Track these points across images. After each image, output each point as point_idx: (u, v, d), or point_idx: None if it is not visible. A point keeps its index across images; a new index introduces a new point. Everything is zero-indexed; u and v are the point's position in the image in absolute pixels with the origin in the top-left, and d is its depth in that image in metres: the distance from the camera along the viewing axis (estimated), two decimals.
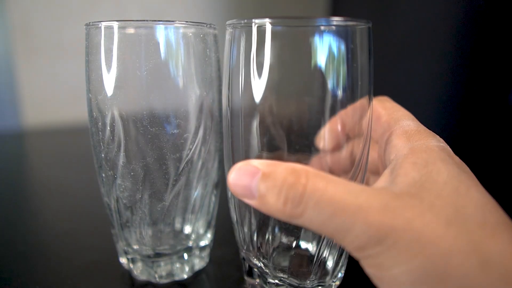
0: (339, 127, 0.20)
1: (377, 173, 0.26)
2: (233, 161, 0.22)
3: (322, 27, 0.19)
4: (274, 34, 0.19)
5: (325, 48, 0.19)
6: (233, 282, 0.27)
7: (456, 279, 0.15)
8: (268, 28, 0.19)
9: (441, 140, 0.20)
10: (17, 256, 0.30)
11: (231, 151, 0.22)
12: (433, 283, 0.15)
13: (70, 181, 0.48)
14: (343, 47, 0.19)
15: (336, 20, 0.19)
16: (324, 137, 0.20)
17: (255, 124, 0.20)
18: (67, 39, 0.73)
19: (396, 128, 0.22)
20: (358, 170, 0.22)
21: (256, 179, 0.18)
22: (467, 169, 0.19)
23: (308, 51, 0.19)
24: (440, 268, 0.15)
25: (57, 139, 0.70)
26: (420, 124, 0.22)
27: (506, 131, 0.39)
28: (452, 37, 0.42)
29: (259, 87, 0.20)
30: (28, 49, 0.72)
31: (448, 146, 0.20)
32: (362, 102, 0.21)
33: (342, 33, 0.19)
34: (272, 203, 0.17)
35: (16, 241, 0.33)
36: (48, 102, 0.75)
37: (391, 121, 0.23)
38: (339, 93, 0.20)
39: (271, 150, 0.20)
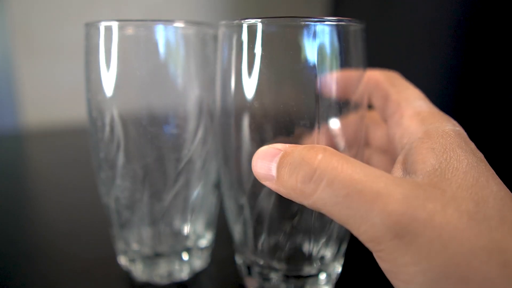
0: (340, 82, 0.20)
1: (384, 152, 0.25)
2: (225, 159, 0.22)
3: (313, 27, 0.19)
4: (265, 34, 0.19)
5: (316, 48, 0.19)
6: (233, 282, 0.27)
7: (477, 280, 0.14)
8: (259, 28, 0.19)
9: (456, 123, 0.19)
10: (16, 257, 0.30)
11: (223, 149, 0.22)
12: (453, 284, 0.14)
13: (69, 181, 0.48)
14: (335, 46, 0.19)
15: (328, 19, 0.19)
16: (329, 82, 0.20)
17: (246, 122, 0.20)
18: (67, 39, 0.73)
19: (408, 109, 0.20)
20: (356, 147, 0.21)
21: (275, 159, 0.17)
22: (483, 157, 0.17)
23: (299, 51, 0.19)
24: (462, 269, 0.14)
25: (56, 139, 0.70)
26: (432, 105, 0.21)
27: (507, 128, 0.39)
28: (453, 36, 0.42)
29: (250, 86, 0.20)
30: (28, 49, 0.72)
31: (464, 130, 0.19)
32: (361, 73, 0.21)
33: (334, 33, 0.19)
34: (286, 180, 0.17)
35: (15, 241, 0.33)
36: (47, 102, 0.75)
37: (402, 101, 0.21)
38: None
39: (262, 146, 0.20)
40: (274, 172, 0.17)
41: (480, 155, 0.17)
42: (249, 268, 0.24)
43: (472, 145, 0.18)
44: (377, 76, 0.23)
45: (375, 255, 0.16)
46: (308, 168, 0.16)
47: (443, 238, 0.14)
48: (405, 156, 0.18)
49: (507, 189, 0.16)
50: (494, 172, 0.17)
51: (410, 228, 0.14)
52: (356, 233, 0.16)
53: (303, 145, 0.17)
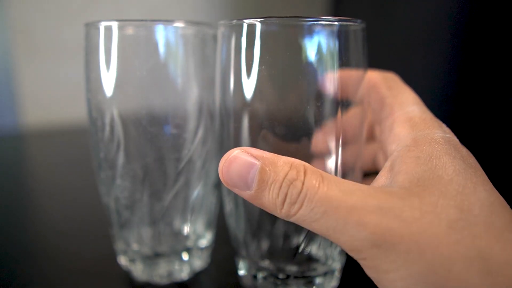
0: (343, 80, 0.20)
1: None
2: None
3: (313, 27, 0.19)
4: (264, 34, 0.19)
5: (316, 48, 0.19)
6: (233, 282, 0.27)
7: (456, 287, 0.14)
8: (258, 28, 0.19)
9: (447, 130, 0.19)
10: (16, 257, 0.30)
11: (222, 149, 0.22)
12: None
13: (69, 181, 0.48)
14: (334, 46, 0.19)
15: (328, 19, 0.19)
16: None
17: (245, 122, 0.20)
18: (67, 39, 0.73)
19: (400, 114, 0.20)
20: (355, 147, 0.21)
21: (254, 171, 0.17)
22: (475, 162, 0.17)
23: (298, 51, 0.19)
24: (440, 275, 0.14)
25: (56, 139, 0.70)
26: (426, 110, 0.21)
27: (506, 129, 0.39)
28: (453, 36, 0.42)
29: (249, 86, 0.20)
30: (28, 49, 0.72)
31: (455, 136, 0.19)
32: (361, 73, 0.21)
33: (334, 33, 0.19)
34: (270, 198, 0.17)
35: (15, 241, 0.33)
36: (47, 102, 0.75)
37: (395, 105, 0.21)
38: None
39: (262, 148, 0.20)
40: (253, 185, 0.17)
41: (472, 160, 0.17)
42: (249, 270, 0.24)
43: (464, 150, 0.18)
44: (374, 78, 0.23)
45: (360, 263, 0.17)
46: (295, 191, 0.16)
47: (420, 246, 0.14)
48: (391, 163, 0.18)
49: (498, 195, 0.16)
50: (486, 178, 0.17)
51: (386, 237, 0.15)
52: (337, 243, 0.16)
53: (282, 159, 0.17)
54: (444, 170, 0.16)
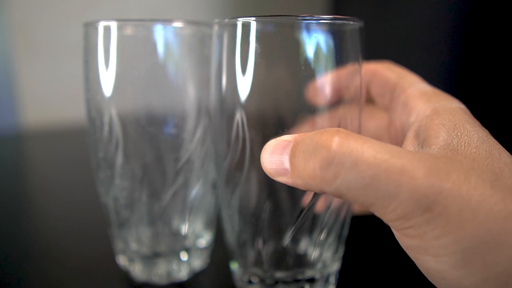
0: (332, 84, 0.20)
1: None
2: (219, 160, 0.22)
3: (308, 25, 0.19)
4: (258, 33, 0.19)
5: (310, 46, 0.19)
6: (232, 283, 0.27)
7: (511, 245, 0.14)
8: (252, 26, 0.19)
9: (461, 102, 0.19)
10: (16, 256, 0.30)
11: (217, 149, 0.22)
12: (487, 251, 0.14)
13: (69, 181, 0.48)
14: (330, 45, 0.19)
15: (323, 18, 0.19)
16: (317, 90, 0.19)
17: (240, 122, 0.20)
18: (67, 39, 0.73)
19: (412, 90, 0.20)
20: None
21: (286, 151, 0.16)
22: (489, 133, 0.17)
23: (293, 50, 0.19)
24: (495, 233, 0.14)
25: (56, 139, 0.70)
26: (434, 87, 0.21)
27: (507, 128, 0.39)
28: (453, 36, 0.42)
29: (243, 85, 0.20)
30: (28, 49, 0.72)
31: (468, 109, 0.19)
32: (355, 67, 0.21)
33: (329, 31, 0.19)
34: (303, 169, 0.16)
35: (15, 241, 0.33)
36: (47, 102, 0.75)
37: (405, 84, 0.21)
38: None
39: (257, 148, 0.20)
40: (287, 164, 0.16)
41: (487, 131, 0.18)
42: (243, 272, 0.24)
43: (478, 122, 0.18)
44: (374, 67, 0.23)
45: (400, 233, 0.16)
46: (326, 151, 0.15)
47: (472, 206, 0.14)
48: (415, 133, 0.18)
49: None
50: (502, 147, 0.17)
51: (439, 200, 0.14)
52: (381, 213, 0.15)
53: (313, 132, 0.16)
54: (470, 137, 0.16)
